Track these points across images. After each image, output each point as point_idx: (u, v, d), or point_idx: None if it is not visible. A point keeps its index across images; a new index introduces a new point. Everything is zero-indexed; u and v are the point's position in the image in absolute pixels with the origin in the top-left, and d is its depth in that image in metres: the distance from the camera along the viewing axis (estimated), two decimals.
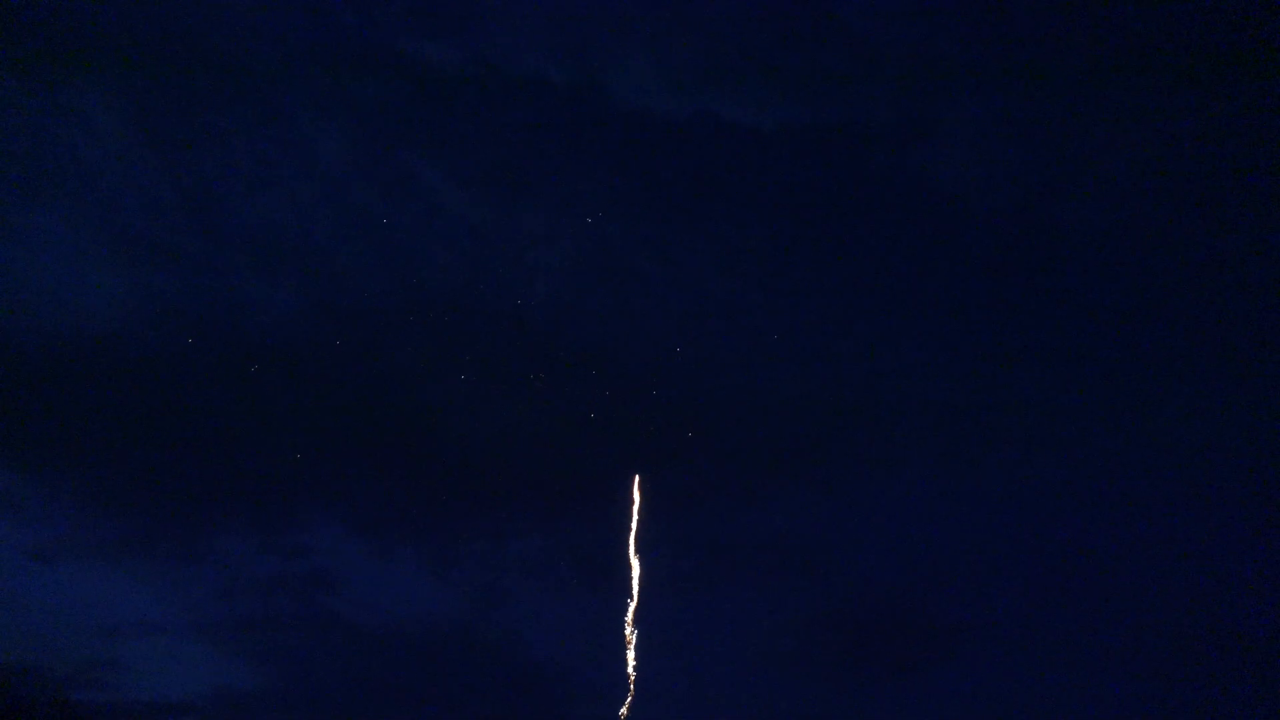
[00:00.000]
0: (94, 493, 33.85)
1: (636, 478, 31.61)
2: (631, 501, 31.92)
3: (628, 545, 31.37)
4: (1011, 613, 34.46)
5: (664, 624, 36.06)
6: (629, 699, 30.41)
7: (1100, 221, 30.96)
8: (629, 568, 31.31)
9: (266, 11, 29.09)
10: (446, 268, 31.53)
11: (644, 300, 32.35)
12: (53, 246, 31.01)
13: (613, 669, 34.31)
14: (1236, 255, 29.98)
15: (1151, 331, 31.66)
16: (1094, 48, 28.81)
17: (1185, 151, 29.31)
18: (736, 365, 32.99)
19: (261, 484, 34.22)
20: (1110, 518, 33.40)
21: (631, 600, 31.59)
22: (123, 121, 29.90)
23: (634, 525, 31.89)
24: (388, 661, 35.78)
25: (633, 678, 30.47)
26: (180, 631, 34.56)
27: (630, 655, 31.37)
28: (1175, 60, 28.25)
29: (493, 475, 34.23)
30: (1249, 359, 31.04)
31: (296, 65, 29.70)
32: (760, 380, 33.37)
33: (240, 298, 32.22)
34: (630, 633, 31.88)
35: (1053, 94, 29.65)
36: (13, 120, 29.16)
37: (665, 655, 35.97)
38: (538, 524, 35.15)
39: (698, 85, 30.22)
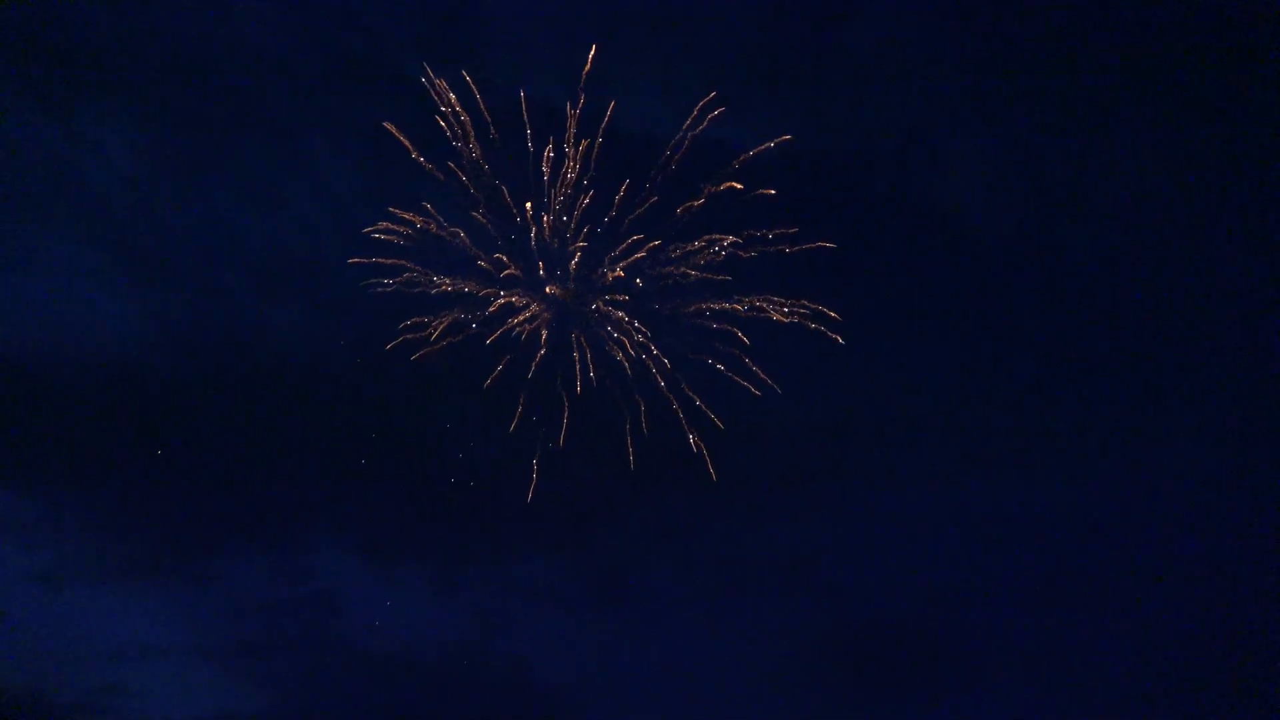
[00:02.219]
0: (100, 516, 33.85)
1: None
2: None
3: None
4: (1025, 634, 34.39)
5: (671, 644, 36.03)
6: None
7: (1106, 243, 31.22)
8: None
9: (278, 39, 29.55)
10: (454, 292, 31.70)
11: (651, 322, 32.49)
12: (64, 270, 31.24)
13: (620, 692, 34.26)
14: (1244, 276, 30.20)
15: (1160, 351, 31.85)
16: (1098, 70, 29.18)
17: (1191, 172, 29.60)
18: (743, 384, 33.06)
19: (268, 507, 34.24)
20: (1126, 539, 33.39)
21: None
22: (135, 148, 30.25)
23: None
24: (393, 685, 35.61)
25: None
26: (186, 656, 34.47)
27: None
28: (1180, 81, 28.61)
29: (498, 498, 34.24)
30: (1258, 379, 31.19)
31: (308, 91, 30.13)
32: (767, 400, 33.45)
33: (249, 321, 32.41)
34: None
35: (1057, 117, 30.02)
36: (28, 148, 29.56)
37: (672, 675, 35.91)
38: (543, 547, 35.14)
39: (703, 111, 30.53)
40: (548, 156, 27.54)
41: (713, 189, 27.40)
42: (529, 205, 27.64)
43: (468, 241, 28.07)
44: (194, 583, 34.40)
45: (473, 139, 27.31)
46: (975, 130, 30.65)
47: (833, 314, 28.81)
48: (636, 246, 28.26)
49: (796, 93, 30.89)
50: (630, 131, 29.79)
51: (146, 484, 33.66)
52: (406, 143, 27.37)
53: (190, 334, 32.33)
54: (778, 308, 29.12)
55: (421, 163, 27.77)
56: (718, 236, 28.04)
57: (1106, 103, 29.66)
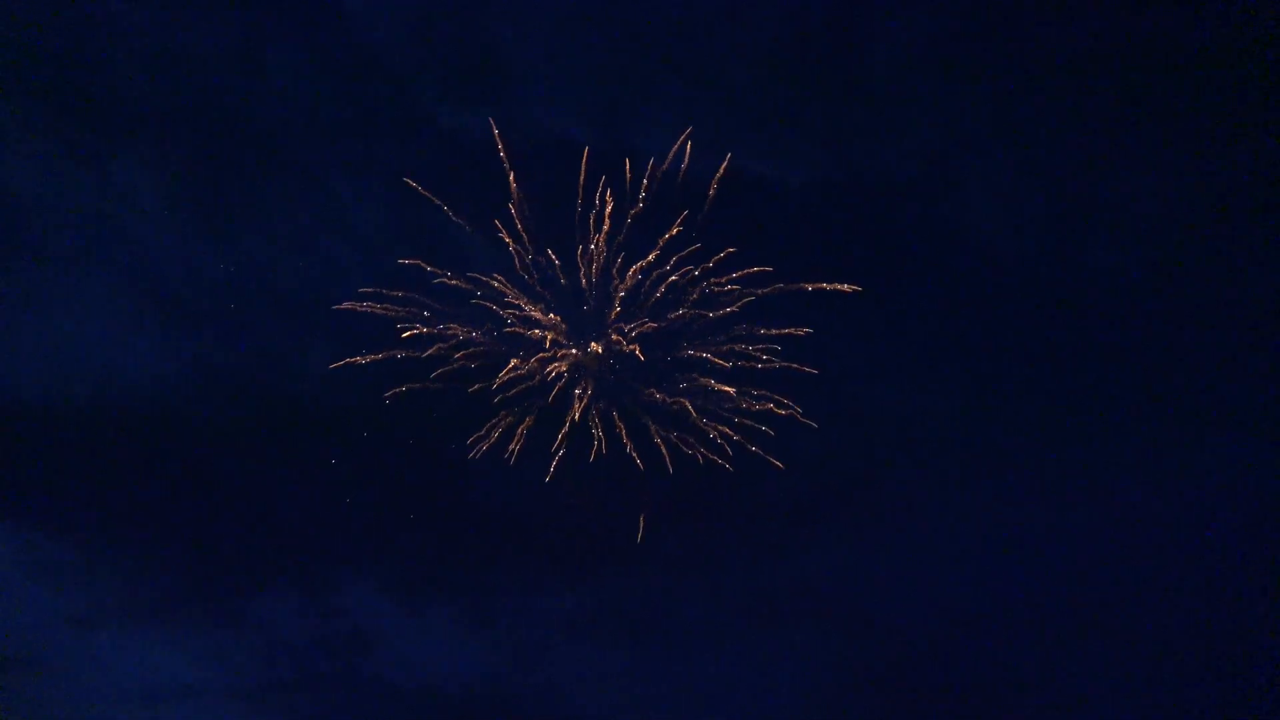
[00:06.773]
0: (133, 558, 34.12)
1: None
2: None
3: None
4: (1055, 660, 34.10)
5: (700, 675, 35.86)
6: None
7: (1129, 271, 31.20)
8: None
9: (305, 88, 30.11)
10: (480, 326, 31.95)
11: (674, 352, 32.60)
12: (97, 314, 31.74)
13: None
14: (1267, 302, 30.10)
15: (1186, 374, 31.74)
16: (1120, 95, 29.27)
17: (1216, 195, 29.58)
18: (765, 415, 33.07)
19: (298, 547, 34.46)
20: (1159, 564, 33.16)
21: None
22: (167, 195, 30.83)
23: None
24: None
25: None
26: (219, 696, 34.59)
27: None
28: (1206, 103, 28.64)
29: (527, 532, 34.31)
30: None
31: (335, 138, 30.65)
32: (790, 430, 33.46)
33: (279, 363, 32.75)
34: None
35: (1079, 144, 30.10)
36: (63, 196, 30.18)
37: (701, 706, 35.71)
38: (573, 580, 35.14)
39: (724, 143, 30.76)
40: (579, 205, 28.23)
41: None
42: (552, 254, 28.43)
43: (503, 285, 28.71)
44: (226, 623, 34.61)
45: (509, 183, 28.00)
46: (999, 161, 30.73)
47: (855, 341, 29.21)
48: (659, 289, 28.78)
49: (818, 123, 31.09)
50: (653, 166, 30.08)
51: (178, 525, 33.98)
52: (434, 199, 28.12)
53: (221, 376, 32.71)
54: (800, 339, 29.49)
55: (449, 214, 28.39)
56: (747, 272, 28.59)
57: (1128, 126, 29.75)
